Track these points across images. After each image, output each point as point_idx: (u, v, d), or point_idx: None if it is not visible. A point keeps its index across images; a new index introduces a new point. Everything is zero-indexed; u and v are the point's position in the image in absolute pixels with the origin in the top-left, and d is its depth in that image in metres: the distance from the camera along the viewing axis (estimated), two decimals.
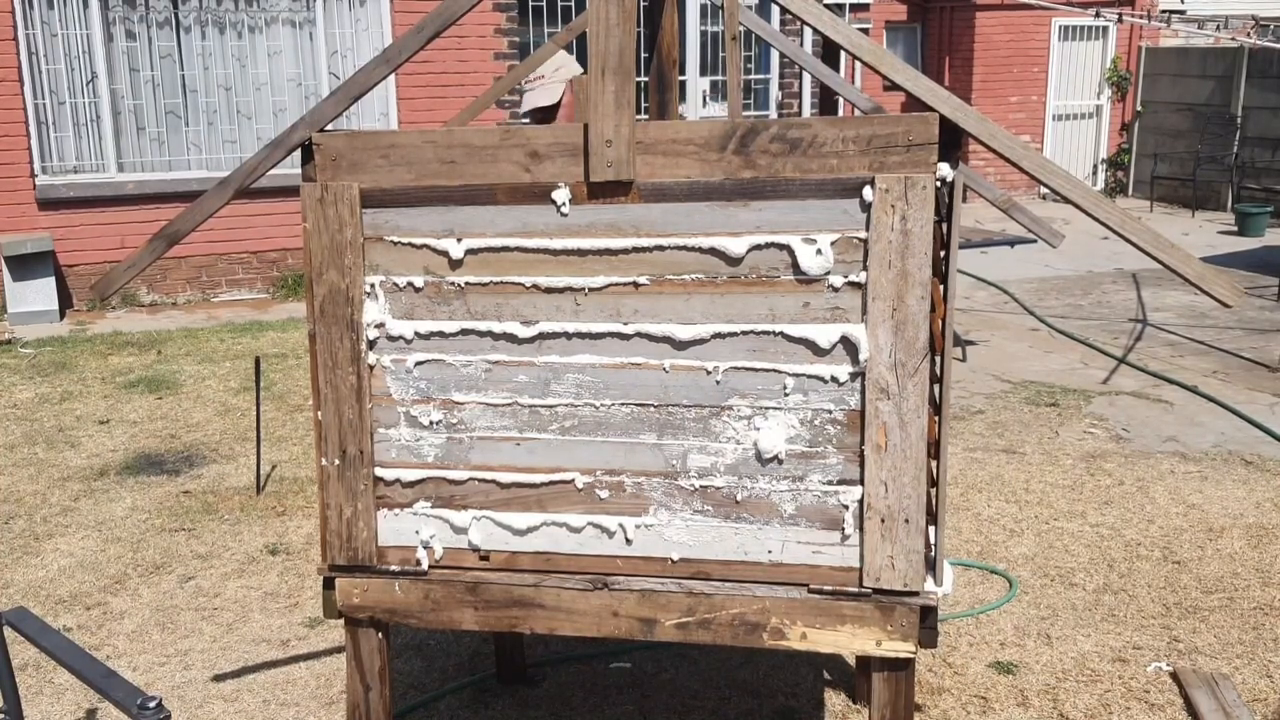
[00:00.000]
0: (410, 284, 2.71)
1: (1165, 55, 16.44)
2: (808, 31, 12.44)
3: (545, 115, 3.84)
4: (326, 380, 2.77)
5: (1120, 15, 12.33)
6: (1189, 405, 7.20)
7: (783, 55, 7.53)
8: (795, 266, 2.54)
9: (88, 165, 10.13)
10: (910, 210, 2.45)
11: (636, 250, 2.60)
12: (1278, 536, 5.20)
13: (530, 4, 11.88)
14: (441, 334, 2.72)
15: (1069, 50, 16.53)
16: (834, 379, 2.57)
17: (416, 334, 2.73)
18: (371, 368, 2.76)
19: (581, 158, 2.58)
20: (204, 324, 9.59)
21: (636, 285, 2.62)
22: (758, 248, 2.55)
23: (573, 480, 2.73)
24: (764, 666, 4.15)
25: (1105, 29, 16.31)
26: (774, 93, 13.34)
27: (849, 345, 2.54)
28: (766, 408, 2.61)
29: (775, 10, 11.91)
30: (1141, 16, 15.50)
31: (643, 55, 3.27)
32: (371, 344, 2.75)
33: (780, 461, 2.62)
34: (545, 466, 2.74)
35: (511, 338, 2.69)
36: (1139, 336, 9.02)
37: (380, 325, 2.74)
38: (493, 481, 2.77)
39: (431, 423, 2.76)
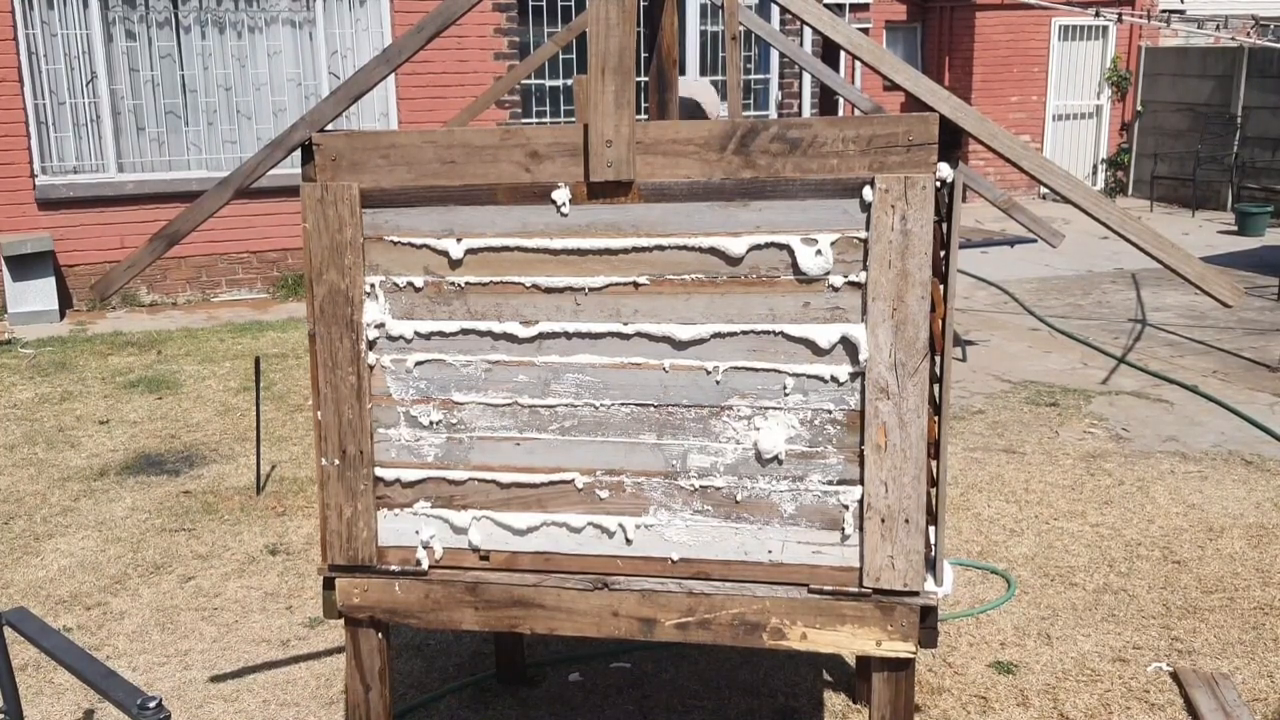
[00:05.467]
0: (410, 284, 2.71)
1: (1165, 55, 16.44)
2: (808, 31, 12.44)
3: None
4: (326, 380, 2.77)
5: (1120, 15, 12.33)
6: (1189, 405, 7.20)
7: (783, 55, 7.54)
8: (795, 266, 2.54)
9: (88, 165, 10.13)
10: (910, 210, 2.45)
11: (636, 250, 2.60)
12: (1278, 536, 5.20)
13: (530, 4, 11.88)
14: (441, 334, 2.72)
15: (1069, 50, 16.53)
16: (834, 379, 2.57)
17: (416, 334, 2.73)
18: (371, 368, 2.76)
19: (581, 158, 2.58)
20: (204, 324, 9.59)
21: (636, 285, 2.62)
22: (758, 248, 2.55)
23: (573, 480, 2.73)
24: (764, 666, 4.15)
25: (1105, 29, 16.31)
26: (774, 93, 13.34)
27: (849, 345, 2.54)
28: (766, 408, 2.61)
29: (775, 10, 11.91)
30: (1141, 16, 15.50)
31: (643, 55, 3.26)
32: (371, 344, 2.75)
33: (780, 461, 2.62)
34: (545, 466, 2.74)
35: (511, 338, 2.69)
36: (1139, 336, 9.02)
37: (380, 325, 2.74)
38: (493, 481, 2.77)
39: (431, 423, 2.76)
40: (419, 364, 2.75)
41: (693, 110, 3.98)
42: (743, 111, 9.17)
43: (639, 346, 2.65)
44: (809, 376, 2.58)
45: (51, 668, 4.09)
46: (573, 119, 11.69)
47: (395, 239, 2.70)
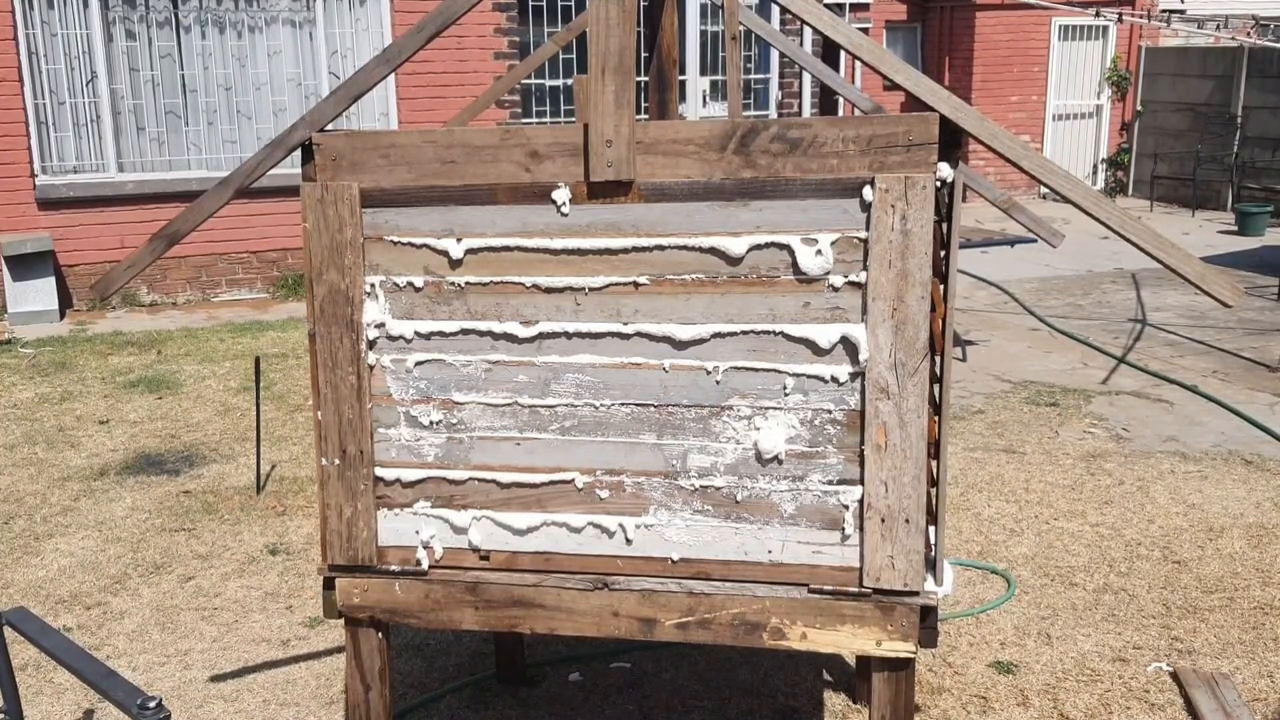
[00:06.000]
0: (410, 284, 2.71)
1: (1165, 55, 16.44)
2: (808, 31, 12.44)
3: None
4: (326, 380, 2.77)
5: (1120, 15, 12.33)
6: (1189, 405, 7.20)
7: (783, 55, 7.54)
8: (795, 266, 2.54)
9: (88, 165, 10.13)
10: (910, 210, 2.45)
11: (636, 250, 2.60)
12: (1278, 536, 5.20)
13: (530, 4, 11.88)
14: (441, 334, 2.72)
15: (1069, 50, 16.53)
16: (834, 379, 2.57)
17: (416, 334, 2.73)
18: (371, 368, 2.76)
19: (581, 158, 2.57)
20: (204, 324, 9.59)
21: (636, 285, 2.62)
22: (758, 247, 2.54)
23: (573, 480, 2.73)
24: (764, 666, 4.14)
25: (1105, 29, 16.32)
26: (774, 93, 13.34)
27: (849, 345, 2.54)
28: (766, 408, 2.61)
29: (775, 10, 11.91)
30: (1141, 16, 15.50)
31: (643, 55, 3.26)
32: (371, 344, 2.75)
33: (780, 461, 2.62)
34: (545, 466, 2.74)
35: (511, 338, 2.69)
36: (1139, 336, 9.02)
37: (380, 325, 2.74)
38: (493, 481, 2.77)
39: (431, 423, 2.76)
40: (419, 364, 2.75)
41: None
42: (743, 111, 9.17)
43: (639, 346, 2.65)
44: (809, 376, 2.58)
45: (51, 668, 4.09)
46: (573, 119, 11.69)
47: (395, 239, 2.70)
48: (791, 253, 2.53)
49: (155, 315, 9.99)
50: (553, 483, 2.74)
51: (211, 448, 6.49)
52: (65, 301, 10.05)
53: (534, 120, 12.01)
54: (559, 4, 12.03)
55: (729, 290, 2.58)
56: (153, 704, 2.20)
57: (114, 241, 10.11)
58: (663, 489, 2.69)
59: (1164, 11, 16.37)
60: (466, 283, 2.69)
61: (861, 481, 2.59)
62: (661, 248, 2.59)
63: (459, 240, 2.67)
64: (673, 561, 2.72)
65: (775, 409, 2.61)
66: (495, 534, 2.79)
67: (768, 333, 2.58)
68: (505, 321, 2.69)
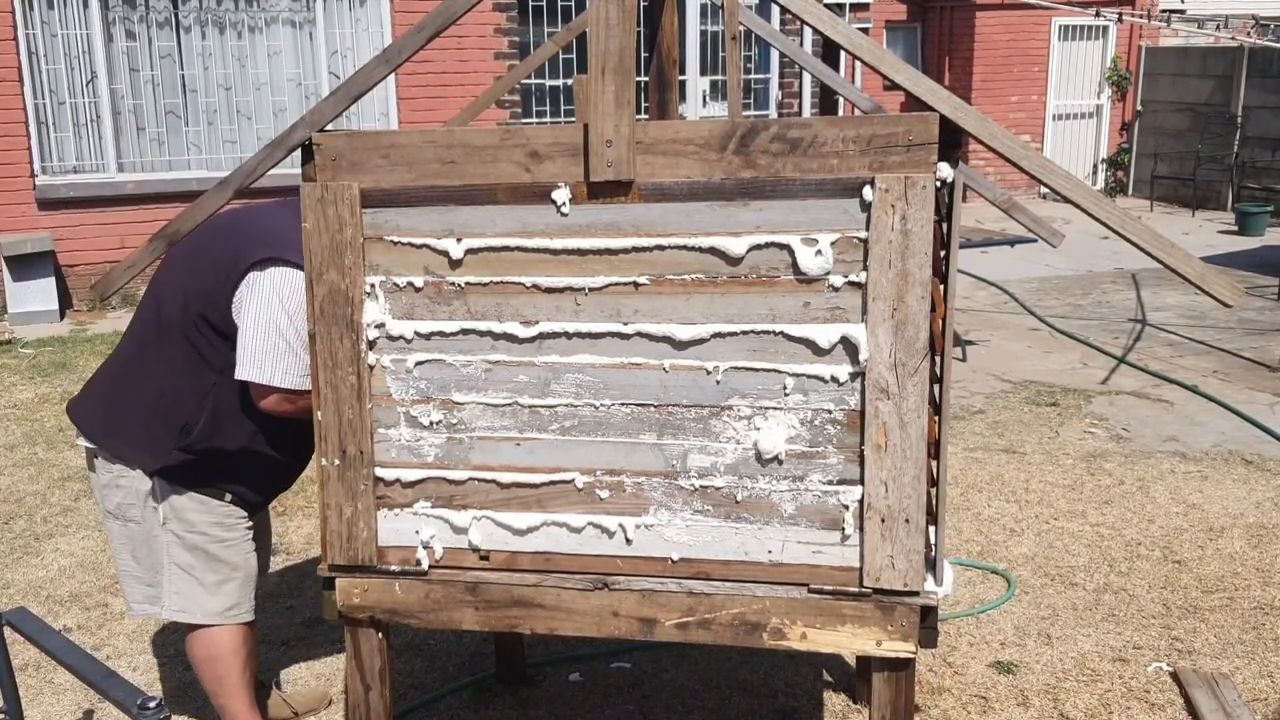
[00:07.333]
0: (410, 284, 2.71)
1: (1165, 55, 16.44)
2: (808, 31, 12.44)
3: None
4: (326, 380, 2.76)
5: (1120, 15, 12.33)
6: (1189, 405, 7.20)
7: (783, 55, 7.53)
8: (795, 266, 2.54)
9: (88, 165, 10.13)
10: (910, 210, 2.45)
11: (636, 250, 2.60)
12: (1278, 536, 5.20)
13: (530, 4, 11.88)
14: (441, 334, 2.72)
15: (1069, 50, 16.53)
16: (834, 379, 2.57)
17: (416, 334, 2.73)
18: (371, 368, 2.76)
19: (581, 158, 2.57)
20: None
21: (636, 285, 2.61)
22: (758, 247, 2.54)
23: (573, 480, 2.73)
24: (764, 666, 4.14)
25: (1105, 29, 16.32)
26: (774, 93, 13.34)
27: (849, 345, 2.54)
28: (766, 408, 2.61)
29: (775, 10, 11.91)
30: (1141, 16, 15.51)
31: (643, 55, 3.26)
32: (371, 344, 2.75)
33: (780, 461, 2.62)
34: (545, 466, 2.74)
35: (511, 338, 2.69)
36: (1139, 336, 9.03)
37: (380, 325, 2.73)
38: (493, 481, 2.77)
39: (431, 423, 2.76)
40: (419, 364, 2.74)
41: None
42: (743, 111, 9.16)
43: (639, 346, 2.64)
44: (809, 376, 2.58)
45: (51, 668, 4.09)
46: (573, 119, 11.69)
47: (395, 239, 2.70)
48: (791, 253, 2.53)
49: None
50: (553, 483, 2.74)
51: None
52: (65, 302, 10.05)
53: (534, 120, 12.01)
54: (559, 4, 12.03)
55: (729, 290, 2.58)
56: (153, 704, 2.20)
57: (114, 241, 10.11)
58: (663, 489, 2.69)
59: (1164, 11, 16.37)
60: (466, 283, 2.69)
61: (861, 481, 2.59)
62: (661, 248, 2.58)
63: (459, 240, 2.67)
64: (673, 561, 2.72)
65: (775, 409, 2.60)
66: (495, 534, 2.79)
67: (768, 333, 2.58)
68: (505, 321, 2.69)
